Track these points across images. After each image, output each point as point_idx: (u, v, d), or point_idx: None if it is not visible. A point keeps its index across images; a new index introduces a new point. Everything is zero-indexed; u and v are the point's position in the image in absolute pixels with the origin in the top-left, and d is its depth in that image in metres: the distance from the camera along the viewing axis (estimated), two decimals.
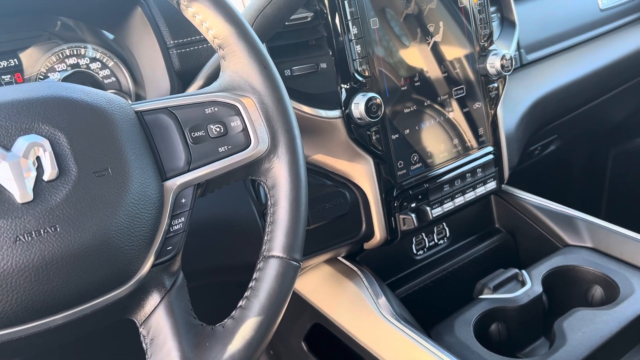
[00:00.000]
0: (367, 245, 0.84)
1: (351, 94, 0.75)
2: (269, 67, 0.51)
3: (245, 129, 0.50)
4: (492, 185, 0.91)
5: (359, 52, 0.74)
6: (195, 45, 0.71)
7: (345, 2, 0.73)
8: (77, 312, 0.42)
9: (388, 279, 0.88)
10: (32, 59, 0.72)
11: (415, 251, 0.93)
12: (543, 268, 0.85)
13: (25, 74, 0.71)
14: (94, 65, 0.74)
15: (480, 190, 0.90)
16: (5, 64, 0.71)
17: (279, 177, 0.50)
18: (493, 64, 0.87)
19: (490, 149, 0.91)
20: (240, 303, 0.48)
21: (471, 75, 0.87)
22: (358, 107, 0.73)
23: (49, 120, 0.42)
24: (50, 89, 0.44)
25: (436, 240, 0.96)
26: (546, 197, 0.98)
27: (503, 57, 0.86)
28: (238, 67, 0.51)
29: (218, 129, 0.49)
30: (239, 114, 0.50)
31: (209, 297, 0.78)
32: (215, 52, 0.66)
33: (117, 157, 0.44)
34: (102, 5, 0.72)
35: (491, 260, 0.95)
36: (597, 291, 0.83)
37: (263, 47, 0.51)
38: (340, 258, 0.87)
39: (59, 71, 0.73)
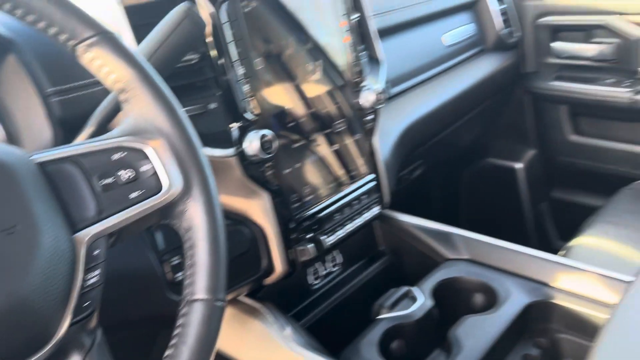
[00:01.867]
0: (268, 281, 0.84)
1: (243, 132, 0.76)
2: (175, 109, 0.50)
3: (156, 173, 0.49)
4: (376, 210, 0.97)
5: (246, 91, 0.76)
6: (78, 91, 0.68)
7: (230, 45, 0.74)
8: None
9: (291, 311, 0.89)
10: None
11: (311, 281, 0.96)
12: (430, 283, 0.92)
13: None
14: None
15: (367, 216, 0.95)
16: None
17: (195, 218, 0.49)
18: (367, 98, 0.94)
19: (371, 176, 0.97)
20: (167, 352, 0.46)
21: (349, 110, 0.93)
22: (252, 144, 0.75)
23: None
24: None
25: (330, 269, 0.99)
26: (421, 216, 1.06)
27: (375, 92, 0.94)
28: (143, 110, 0.50)
29: (128, 175, 0.47)
30: (148, 157, 0.49)
31: (131, 351, 0.73)
32: (104, 96, 0.65)
33: (24, 212, 0.40)
34: None
35: (382, 281, 1.00)
36: (479, 298, 0.91)
37: (168, 89, 0.51)
38: (240, 298, 0.86)
39: None
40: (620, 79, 1.46)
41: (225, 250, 0.50)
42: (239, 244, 0.79)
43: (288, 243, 0.83)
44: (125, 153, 0.48)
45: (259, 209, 0.79)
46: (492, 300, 0.88)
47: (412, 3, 1.26)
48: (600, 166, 1.57)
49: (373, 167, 0.97)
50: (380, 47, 1.02)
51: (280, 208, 0.81)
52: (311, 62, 0.87)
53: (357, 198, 0.93)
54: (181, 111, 0.51)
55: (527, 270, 0.91)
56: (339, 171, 0.91)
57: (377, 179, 0.98)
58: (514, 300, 0.86)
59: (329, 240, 0.87)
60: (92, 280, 0.44)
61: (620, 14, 1.42)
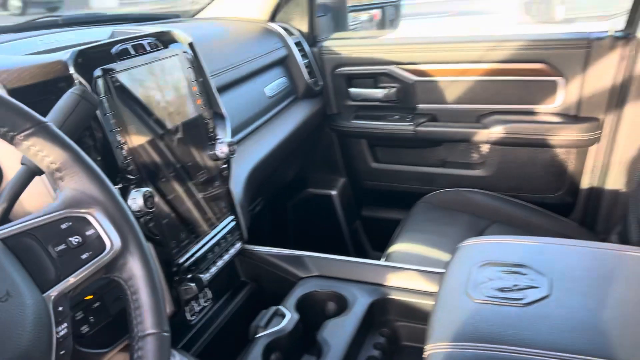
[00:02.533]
0: None
1: (125, 191, 0.85)
2: (105, 182, 0.60)
3: (99, 236, 0.58)
4: (238, 245, 1.12)
5: (124, 155, 0.86)
6: None
7: (107, 116, 0.84)
8: None
9: (177, 346, 0.98)
10: None
11: (189, 317, 1.06)
12: (292, 300, 1.09)
13: None
14: None
15: (232, 252, 1.09)
16: None
17: (134, 269, 0.59)
18: (221, 149, 1.08)
19: (231, 217, 1.11)
20: None
21: (208, 161, 1.06)
22: (136, 201, 0.84)
23: None
24: None
25: (202, 304, 1.10)
26: (268, 245, 1.23)
27: (228, 144, 1.09)
28: (78, 184, 0.58)
29: (77, 240, 0.56)
30: (90, 223, 0.58)
31: None
32: (10, 174, 0.70)
33: (9, 281, 0.48)
34: None
35: (250, 306, 1.14)
36: (333, 305, 1.11)
37: (96, 166, 0.60)
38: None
39: None
40: (404, 115, 1.82)
41: (162, 291, 0.61)
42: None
43: (171, 284, 0.93)
44: (71, 222, 0.57)
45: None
46: (343, 305, 1.08)
47: (239, 62, 1.44)
48: (398, 185, 1.91)
49: (232, 209, 1.12)
50: (221, 104, 1.18)
51: (162, 254, 0.91)
52: (175, 123, 0.99)
53: (224, 237, 1.06)
54: (110, 183, 0.61)
55: (366, 277, 1.13)
56: (207, 215, 1.03)
57: (236, 219, 1.12)
58: (360, 302, 1.07)
59: (206, 277, 0.99)
60: (62, 332, 0.52)
61: (397, 64, 1.78)
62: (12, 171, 0.73)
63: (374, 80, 1.85)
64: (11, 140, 0.56)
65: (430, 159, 1.86)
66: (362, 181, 1.98)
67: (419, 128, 1.77)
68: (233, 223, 1.11)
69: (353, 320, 1.03)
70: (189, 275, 0.96)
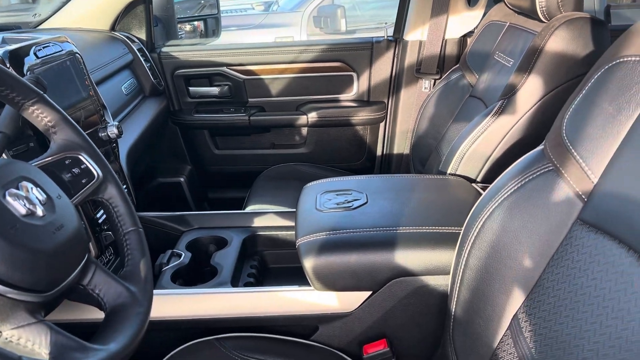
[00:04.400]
0: None
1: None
2: (85, 136, 0.87)
3: (89, 169, 0.85)
4: None
5: None
6: None
7: None
8: (73, 277, 0.71)
9: None
10: None
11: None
12: (181, 245, 1.39)
13: None
14: None
15: None
16: None
17: (112, 190, 0.88)
18: (112, 131, 1.34)
19: (124, 186, 1.37)
20: (126, 259, 0.84)
21: (103, 141, 1.32)
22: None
23: (20, 172, 0.70)
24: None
25: (108, 257, 1.35)
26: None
27: (116, 126, 1.35)
28: (68, 137, 0.85)
29: (77, 171, 0.83)
30: (82, 160, 0.85)
31: None
32: None
33: (56, 188, 0.74)
34: None
35: None
36: (214, 247, 1.43)
37: (77, 125, 0.87)
38: None
39: None
40: (238, 108, 2.19)
41: (131, 203, 0.90)
42: None
43: (95, 234, 1.18)
44: (71, 160, 0.84)
45: None
46: (223, 244, 1.42)
47: (99, 65, 1.67)
48: (238, 167, 2.28)
49: (123, 179, 1.38)
50: (101, 96, 1.43)
51: (86, 212, 1.16)
52: (80, 107, 1.23)
53: None
54: (87, 136, 0.88)
55: (237, 223, 1.48)
56: None
57: (127, 187, 1.39)
58: (236, 239, 1.42)
59: None
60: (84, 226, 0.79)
61: (228, 65, 2.14)
62: None
63: (209, 80, 2.19)
64: (21, 106, 0.81)
65: (263, 143, 2.26)
66: (206, 167, 2.30)
67: (252, 118, 2.16)
68: (125, 191, 1.37)
69: (233, 251, 1.37)
70: (105, 227, 1.22)
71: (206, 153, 2.27)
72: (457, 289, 0.98)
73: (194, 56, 2.15)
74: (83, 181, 0.84)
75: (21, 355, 0.55)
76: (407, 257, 1.09)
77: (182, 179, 2.25)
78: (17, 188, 0.68)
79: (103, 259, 1.28)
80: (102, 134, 1.33)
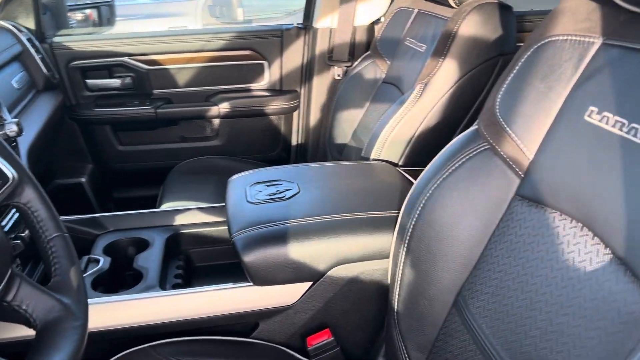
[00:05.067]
0: None
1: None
2: None
3: (1, 170, 0.75)
4: None
5: None
6: None
7: None
8: None
9: None
10: None
11: None
12: (98, 249, 1.28)
13: None
14: None
15: None
16: None
17: (30, 193, 0.78)
18: (11, 129, 1.20)
19: None
20: (53, 268, 0.75)
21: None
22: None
23: None
24: None
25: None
26: None
27: (16, 123, 1.21)
28: None
29: None
30: None
31: None
32: None
33: None
34: None
35: None
36: (134, 249, 1.34)
37: None
38: None
39: None
40: (143, 100, 2.07)
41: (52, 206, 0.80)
42: None
43: None
44: None
45: None
46: (144, 245, 1.32)
47: None
48: (146, 164, 2.15)
49: None
50: None
51: None
52: None
53: None
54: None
55: (157, 222, 1.39)
56: None
57: None
58: (158, 239, 1.33)
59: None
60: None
61: (129, 55, 2.01)
62: None
63: (108, 71, 2.04)
64: None
65: (171, 137, 2.15)
66: (111, 165, 2.15)
67: (159, 110, 2.05)
68: None
69: (156, 252, 1.28)
70: (13, 235, 1.09)
71: (109, 150, 2.12)
72: (400, 272, 0.98)
73: (91, 46, 1.99)
74: None
75: None
76: (345, 244, 1.08)
77: (83, 179, 2.09)
78: None
79: None
80: (0, 133, 1.18)
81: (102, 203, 2.15)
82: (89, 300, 1.04)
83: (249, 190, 1.25)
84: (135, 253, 1.31)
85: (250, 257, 1.05)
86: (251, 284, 1.08)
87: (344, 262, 1.08)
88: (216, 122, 2.14)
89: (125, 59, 2.00)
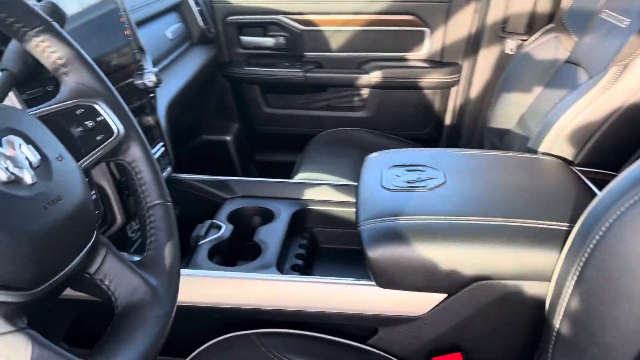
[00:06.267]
0: (110, 231, 1.00)
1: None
2: (104, 78, 0.68)
3: (107, 122, 0.66)
4: (169, 169, 1.21)
5: None
6: None
7: None
8: (73, 265, 0.53)
9: None
10: None
11: (130, 235, 1.14)
12: (223, 214, 1.21)
13: None
14: None
15: (165, 175, 1.18)
16: None
17: (136, 152, 0.69)
18: (149, 79, 1.15)
19: (161, 143, 1.19)
20: (149, 240, 0.66)
21: (138, 89, 1.13)
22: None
23: (7, 123, 0.51)
24: None
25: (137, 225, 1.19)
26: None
27: (155, 74, 1.16)
28: (83, 80, 0.66)
29: (91, 124, 0.64)
30: (98, 111, 0.66)
31: None
32: None
33: (58, 146, 0.56)
34: None
35: (183, 224, 1.24)
36: (259, 219, 1.25)
37: (95, 64, 0.68)
38: None
39: None
40: (293, 62, 1.97)
41: (160, 171, 0.71)
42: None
43: (121, 198, 1.01)
44: (84, 110, 0.65)
45: (99, 173, 0.95)
46: (270, 217, 1.23)
47: (138, 5, 1.48)
48: (289, 129, 2.08)
49: (160, 136, 1.20)
50: (141, 38, 1.24)
51: (110, 171, 0.99)
52: (109, 50, 1.05)
53: (157, 160, 1.15)
54: (107, 80, 0.69)
55: (286, 193, 1.29)
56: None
57: (165, 145, 1.21)
58: (284, 212, 1.23)
59: None
60: (93, 197, 0.61)
61: (285, 14, 1.92)
62: None
63: (263, 29, 1.97)
64: (22, 36, 0.62)
65: (317, 103, 2.04)
66: (256, 126, 2.11)
67: (308, 74, 1.94)
68: (162, 149, 1.19)
69: (281, 226, 1.18)
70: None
71: (256, 111, 2.07)
72: (564, 304, 0.76)
73: (249, 1, 1.93)
74: (98, 138, 0.65)
75: None
76: (496, 256, 0.87)
77: (228, 138, 2.07)
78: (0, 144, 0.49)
79: (130, 228, 1.12)
80: (138, 82, 1.14)
81: (244, 165, 2.12)
82: (200, 272, 0.97)
83: (385, 173, 1.09)
84: (259, 224, 1.22)
85: (375, 253, 0.89)
86: (373, 283, 0.92)
87: (491, 278, 0.88)
88: (365, 92, 1.98)
89: (281, 17, 1.92)
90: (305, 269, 1.13)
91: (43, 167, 0.52)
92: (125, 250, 1.11)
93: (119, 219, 1.00)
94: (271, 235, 1.14)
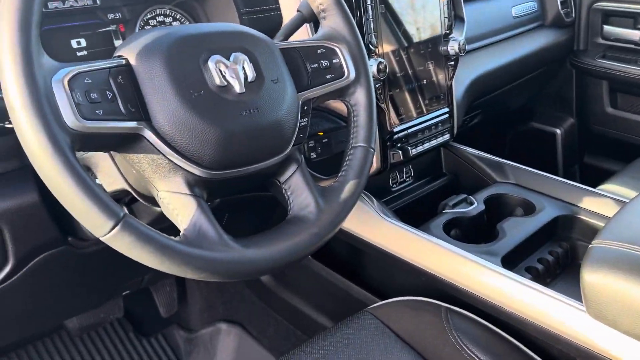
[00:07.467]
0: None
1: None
2: (355, 27, 0.78)
3: (341, 65, 0.77)
4: (447, 136, 1.25)
5: (372, 27, 1.04)
6: (262, 14, 0.96)
7: None
8: (257, 167, 0.66)
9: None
10: (133, 14, 0.92)
11: (391, 185, 1.24)
12: (483, 195, 1.19)
13: (127, 26, 0.92)
14: (175, 23, 0.96)
15: (440, 140, 1.23)
16: (113, 16, 0.91)
17: (360, 97, 0.77)
18: (453, 47, 1.20)
19: (446, 109, 1.24)
20: (340, 174, 0.75)
21: (438, 54, 1.19)
22: (371, 68, 1.02)
23: (244, 44, 0.67)
24: (235, 27, 0.68)
25: (404, 178, 1.28)
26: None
27: (459, 43, 1.20)
28: (335, 25, 0.77)
29: (325, 63, 0.76)
30: (337, 54, 0.77)
31: None
32: (288, 16, 0.92)
33: (281, 72, 0.69)
34: None
35: (444, 192, 1.28)
36: (520, 210, 1.19)
37: (350, 13, 0.78)
38: None
39: (151, 25, 0.94)
40: None
41: (376, 120, 0.78)
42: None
43: (384, 147, 1.11)
44: (324, 50, 0.76)
45: None
46: (530, 212, 1.15)
47: None
48: (631, 137, 1.80)
49: (448, 103, 1.24)
50: (463, 8, 1.27)
51: (382, 120, 1.09)
52: (418, 14, 1.13)
53: (435, 124, 1.20)
54: (357, 29, 0.79)
55: (558, 193, 1.17)
56: (424, 100, 1.18)
57: (450, 112, 1.25)
58: (547, 212, 1.13)
59: (413, 151, 1.15)
60: (303, 123, 0.73)
61: None
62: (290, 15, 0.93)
63: (634, 20, 1.73)
64: None
65: None
66: (592, 125, 1.90)
67: None
68: (446, 115, 1.23)
69: (536, 223, 1.09)
70: (399, 145, 1.13)
71: (596, 108, 1.86)
72: None
73: None
74: (327, 76, 0.75)
75: (125, 214, 0.54)
76: None
77: (558, 131, 1.93)
78: (228, 57, 0.64)
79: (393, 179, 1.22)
80: (442, 48, 1.20)
81: (569, 164, 1.95)
82: (420, 233, 1.01)
83: None
84: (520, 214, 1.16)
85: (594, 277, 0.77)
86: (583, 308, 0.80)
87: None
88: None
89: None
90: (541, 277, 1.03)
91: (256, 84, 0.65)
92: (384, 198, 1.21)
93: (375, 164, 1.11)
94: (519, 227, 1.08)
